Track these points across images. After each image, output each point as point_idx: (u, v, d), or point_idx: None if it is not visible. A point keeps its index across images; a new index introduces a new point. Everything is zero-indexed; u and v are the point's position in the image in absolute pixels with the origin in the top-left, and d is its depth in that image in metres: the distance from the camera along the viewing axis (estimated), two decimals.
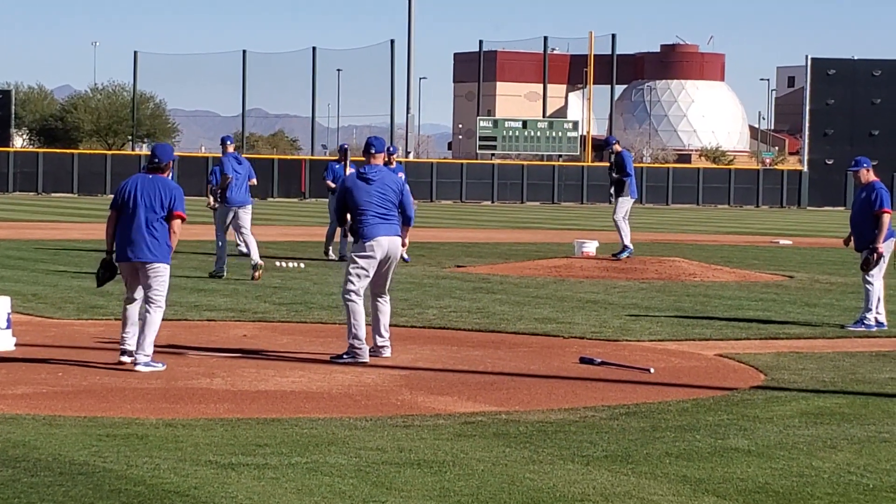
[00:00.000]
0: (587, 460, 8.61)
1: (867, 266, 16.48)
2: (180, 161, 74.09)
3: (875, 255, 16.40)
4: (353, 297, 12.85)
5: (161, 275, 12.15)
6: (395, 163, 26.66)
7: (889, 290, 18.12)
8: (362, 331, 12.80)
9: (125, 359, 12.14)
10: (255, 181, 22.85)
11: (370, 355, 12.95)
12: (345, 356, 12.85)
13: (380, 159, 13.23)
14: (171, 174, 12.43)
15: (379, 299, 13.12)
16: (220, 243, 22.32)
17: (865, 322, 16.51)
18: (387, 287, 13.17)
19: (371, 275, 12.92)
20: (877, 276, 16.55)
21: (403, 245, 13.18)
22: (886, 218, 16.39)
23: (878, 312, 16.62)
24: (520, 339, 15.00)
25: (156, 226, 12.05)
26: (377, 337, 13.16)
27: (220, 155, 23.25)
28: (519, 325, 16.07)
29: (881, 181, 16.88)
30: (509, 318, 16.74)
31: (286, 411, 10.24)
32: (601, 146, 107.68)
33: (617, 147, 25.64)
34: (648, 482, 8.04)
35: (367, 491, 7.66)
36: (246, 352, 13.44)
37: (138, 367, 11.94)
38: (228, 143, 23.06)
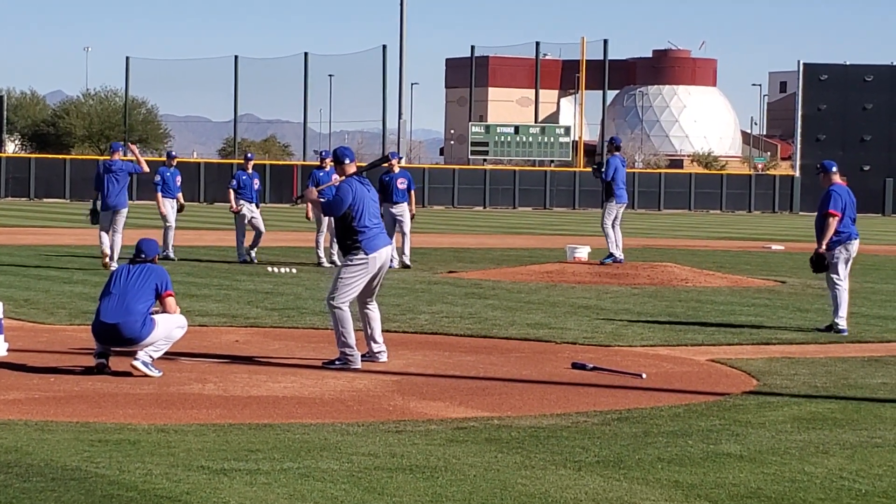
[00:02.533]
0: (579, 466, 8.61)
1: (815, 268, 16.71)
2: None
3: (816, 256, 16.59)
4: (342, 305, 12.82)
5: (158, 335, 12.10)
6: (398, 168, 26.56)
7: (868, 294, 18.22)
8: (352, 338, 12.78)
9: (101, 360, 12.15)
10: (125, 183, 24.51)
11: (366, 361, 12.94)
12: (337, 362, 12.83)
13: (353, 168, 13.17)
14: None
15: (368, 306, 13.08)
16: (101, 241, 24.34)
17: (838, 327, 16.53)
18: (373, 296, 13.12)
19: (364, 286, 12.89)
20: (839, 280, 16.63)
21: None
22: (830, 220, 16.59)
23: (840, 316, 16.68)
24: (512, 344, 15.00)
25: (141, 309, 12.06)
26: (372, 343, 13.14)
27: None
28: (511, 331, 16.07)
29: (843, 185, 16.97)
30: (501, 324, 16.74)
31: (278, 417, 10.24)
32: (593, 152, 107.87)
33: (614, 150, 25.41)
34: (640, 487, 8.05)
35: (360, 496, 7.66)
36: (238, 357, 13.43)
37: (136, 363, 11.94)
38: (112, 150, 25.08)
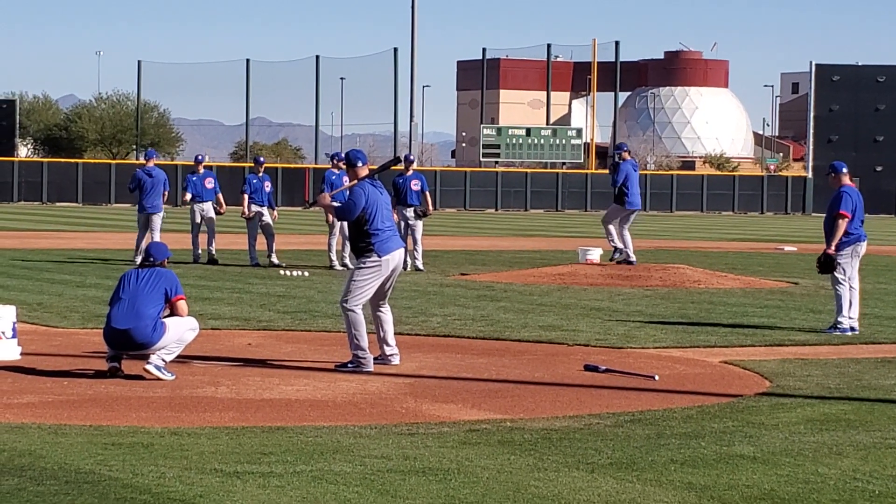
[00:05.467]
0: (592, 468, 8.61)
1: (821, 269, 16.64)
2: (184, 170, 74.19)
3: (825, 256, 16.52)
4: (355, 308, 12.84)
5: (170, 339, 12.09)
6: (412, 170, 26.51)
7: (881, 295, 18.21)
8: (365, 340, 12.79)
9: (114, 363, 12.15)
10: (166, 193, 26.66)
11: (378, 363, 12.95)
12: (349, 365, 12.84)
13: (365, 171, 13.17)
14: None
15: (381, 309, 13.08)
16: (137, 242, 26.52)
17: (840, 326, 16.54)
18: (386, 299, 13.13)
19: (377, 288, 12.90)
20: (844, 279, 16.59)
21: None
22: (841, 221, 16.51)
23: (850, 317, 16.65)
24: (524, 346, 15.00)
25: (152, 313, 12.06)
26: (385, 346, 13.14)
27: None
28: (523, 333, 16.07)
29: (853, 187, 16.90)
30: (514, 326, 16.74)
31: (291, 419, 10.25)
32: (605, 154, 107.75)
33: (626, 155, 25.26)
34: (654, 489, 8.04)
35: (373, 499, 7.66)
36: (250, 360, 13.44)
37: (148, 366, 11.96)
38: (148, 156, 27.92)
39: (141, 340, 11.99)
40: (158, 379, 11.90)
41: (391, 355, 13.14)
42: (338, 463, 8.58)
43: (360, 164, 13.11)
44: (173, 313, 12.27)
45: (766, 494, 7.94)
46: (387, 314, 13.11)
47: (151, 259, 12.46)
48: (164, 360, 12.04)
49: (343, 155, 13.22)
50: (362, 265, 12.86)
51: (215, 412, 10.50)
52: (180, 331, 12.19)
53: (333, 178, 25.87)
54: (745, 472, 8.53)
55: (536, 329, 16.46)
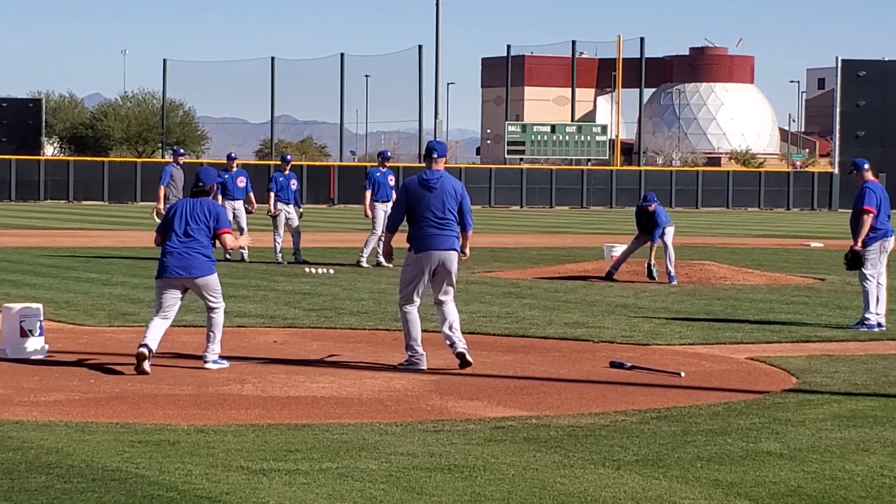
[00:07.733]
0: (618, 464, 8.59)
1: (849, 265, 16.59)
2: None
3: (852, 253, 16.47)
4: (407, 306, 12.82)
5: (211, 283, 12.55)
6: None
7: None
8: (414, 339, 12.74)
9: (143, 349, 12.18)
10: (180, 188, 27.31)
11: (452, 350, 12.79)
12: (404, 363, 12.85)
13: (441, 164, 13.00)
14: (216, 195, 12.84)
15: (441, 305, 12.95)
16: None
17: (867, 322, 16.50)
18: (442, 294, 12.88)
19: (419, 284, 12.82)
20: (871, 275, 16.54)
21: (464, 255, 12.99)
22: (865, 217, 16.47)
23: (877, 313, 16.59)
24: (550, 343, 14.99)
25: (202, 243, 12.46)
26: (444, 334, 12.93)
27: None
28: (549, 330, 16.06)
29: (876, 182, 16.85)
30: (539, 323, 16.73)
31: (317, 417, 10.26)
32: (630, 150, 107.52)
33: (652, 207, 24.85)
34: (680, 486, 8.03)
35: (398, 496, 7.67)
36: (276, 358, 13.46)
37: (207, 364, 12.43)
38: (176, 154, 29.23)
39: (199, 272, 12.36)
40: (222, 369, 12.40)
41: (452, 344, 12.85)
42: (363, 460, 8.59)
43: (435, 154, 13.00)
44: (218, 244, 12.66)
45: (793, 491, 7.91)
46: (447, 307, 12.84)
47: (200, 184, 12.65)
48: (216, 353, 12.51)
49: (430, 145, 13.04)
50: (405, 261, 13.01)
51: (241, 409, 10.52)
52: (218, 287, 12.59)
53: (378, 174, 26.04)
54: (771, 468, 8.51)
55: (562, 326, 16.45)
